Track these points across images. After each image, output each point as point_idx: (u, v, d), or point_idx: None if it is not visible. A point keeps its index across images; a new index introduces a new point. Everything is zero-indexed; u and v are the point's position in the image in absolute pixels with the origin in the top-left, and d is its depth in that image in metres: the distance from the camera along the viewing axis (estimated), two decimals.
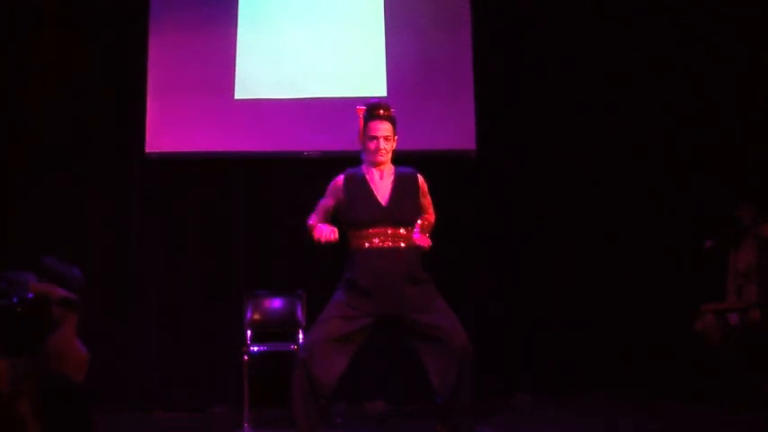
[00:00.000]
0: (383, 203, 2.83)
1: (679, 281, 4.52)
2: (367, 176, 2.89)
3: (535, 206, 4.71)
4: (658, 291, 4.58)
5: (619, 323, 4.57)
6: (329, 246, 2.80)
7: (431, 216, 3.05)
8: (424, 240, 2.88)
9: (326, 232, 2.77)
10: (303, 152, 4.66)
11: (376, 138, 2.85)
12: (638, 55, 4.84)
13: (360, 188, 2.87)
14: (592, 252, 4.68)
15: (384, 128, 2.85)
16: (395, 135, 2.90)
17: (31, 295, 1.48)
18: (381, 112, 2.87)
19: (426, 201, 2.99)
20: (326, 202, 2.95)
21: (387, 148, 2.86)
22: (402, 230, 2.82)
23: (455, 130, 4.64)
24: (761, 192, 4.33)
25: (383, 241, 2.79)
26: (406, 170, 2.95)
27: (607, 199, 4.74)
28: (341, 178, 2.93)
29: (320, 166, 4.42)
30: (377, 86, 4.63)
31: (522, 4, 4.85)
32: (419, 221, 2.98)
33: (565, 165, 4.76)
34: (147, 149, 4.58)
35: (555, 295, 4.64)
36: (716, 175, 4.68)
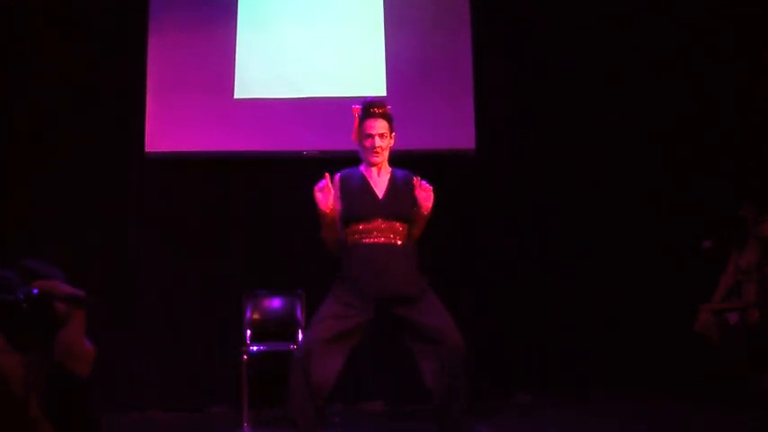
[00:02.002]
0: (380, 197, 2.84)
1: (679, 281, 4.52)
2: (365, 173, 2.91)
3: (534, 205, 4.71)
4: (658, 290, 4.58)
5: (618, 323, 4.57)
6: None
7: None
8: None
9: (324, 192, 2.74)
10: (303, 152, 4.66)
11: (371, 135, 2.85)
12: (638, 55, 4.84)
13: (357, 184, 2.88)
14: (592, 252, 4.68)
15: (379, 125, 2.85)
16: (391, 132, 2.89)
17: (35, 291, 1.48)
18: (376, 109, 2.87)
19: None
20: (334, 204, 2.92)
21: (383, 145, 2.86)
22: (398, 225, 2.81)
23: (455, 130, 4.64)
24: (761, 192, 4.33)
25: (378, 236, 2.79)
26: (403, 171, 2.95)
27: (607, 199, 4.74)
28: (336, 177, 2.92)
29: (320, 166, 4.39)
30: (376, 86, 4.62)
31: (522, 4, 4.85)
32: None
33: (564, 164, 4.77)
34: (147, 149, 4.58)
35: (555, 295, 4.63)
36: (716, 175, 4.69)
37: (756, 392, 3.87)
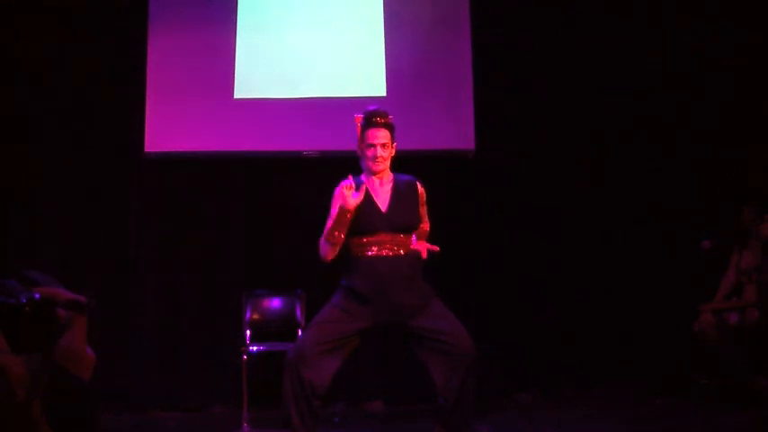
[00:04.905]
0: (383, 210, 2.83)
1: (679, 281, 4.52)
2: (367, 183, 2.88)
3: (534, 206, 4.70)
4: (658, 290, 4.57)
5: (618, 323, 4.57)
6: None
7: (426, 225, 3.01)
8: (423, 246, 2.84)
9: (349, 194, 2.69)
10: (302, 152, 4.65)
11: (373, 145, 2.83)
12: (638, 55, 4.84)
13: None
14: (591, 251, 4.68)
15: (381, 135, 2.83)
16: (393, 142, 2.88)
17: (37, 296, 1.49)
18: (378, 119, 2.85)
19: (424, 210, 2.97)
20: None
21: (384, 155, 2.84)
22: (402, 237, 2.81)
23: (454, 130, 4.63)
24: (761, 192, 4.33)
25: (383, 249, 2.78)
26: (405, 177, 2.94)
27: (607, 199, 4.74)
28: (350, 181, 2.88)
29: (319, 166, 4.43)
30: (376, 86, 4.62)
31: (521, 4, 4.85)
32: (420, 230, 2.96)
33: (564, 165, 4.77)
34: (147, 149, 4.57)
35: (554, 294, 4.63)
36: (716, 175, 4.68)
37: (756, 392, 3.87)
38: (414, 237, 2.91)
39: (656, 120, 4.81)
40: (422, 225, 2.98)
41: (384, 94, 4.59)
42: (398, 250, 2.80)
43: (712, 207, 4.58)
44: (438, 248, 2.85)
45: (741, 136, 4.74)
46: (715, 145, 4.73)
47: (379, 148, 2.83)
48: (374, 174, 2.87)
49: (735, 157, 4.70)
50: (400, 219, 2.82)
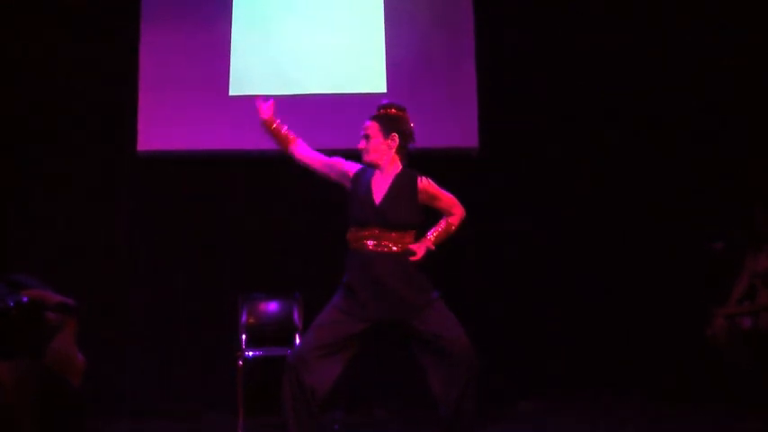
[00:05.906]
0: (376, 202, 2.77)
1: (679, 281, 4.49)
2: (373, 175, 2.85)
3: (537, 205, 4.66)
4: (658, 290, 4.54)
5: (619, 323, 4.53)
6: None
7: (454, 218, 2.87)
8: (421, 246, 2.75)
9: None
10: None
11: (360, 136, 2.85)
12: (640, 55, 4.81)
13: (363, 185, 2.83)
14: (594, 252, 4.64)
15: (367, 127, 2.84)
16: (386, 135, 2.81)
17: (25, 299, 1.42)
18: (376, 111, 2.88)
19: (440, 201, 2.87)
20: (336, 160, 2.90)
21: (368, 147, 2.82)
22: (395, 234, 2.75)
23: (457, 128, 4.57)
24: (763, 192, 4.31)
25: (376, 245, 2.73)
26: (408, 171, 2.88)
27: (611, 198, 4.70)
28: (356, 168, 2.88)
29: None
30: (376, 83, 4.55)
31: (522, 4, 4.80)
32: (441, 224, 2.86)
33: (567, 163, 4.73)
34: (140, 148, 4.52)
35: (557, 297, 4.58)
36: (716, 175, 4.64)
37: (765, 396, 3.83)
38: (432, 232, 2.83)
39: (656, 120, 4.78)
40: (449, 219, 2.86)
41: (384, 90, 4.53)
42: (391, 247, 2.73)
43: (712, 207, 4.55)
44: (434, 247, 2.78)
45: (741, 136, 4.71)
46: (715, 145, 4.70)
47: (363, 140, 2.84)
48: (367, 165, 2.84)
49: (735, 157, 4.68)
50: (392, 214, 2.76)
